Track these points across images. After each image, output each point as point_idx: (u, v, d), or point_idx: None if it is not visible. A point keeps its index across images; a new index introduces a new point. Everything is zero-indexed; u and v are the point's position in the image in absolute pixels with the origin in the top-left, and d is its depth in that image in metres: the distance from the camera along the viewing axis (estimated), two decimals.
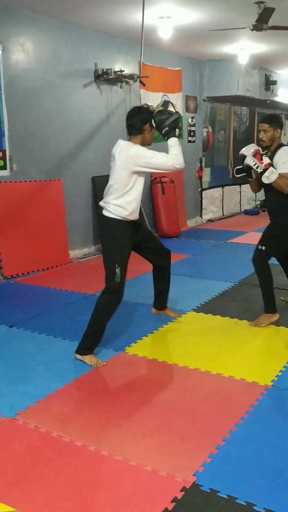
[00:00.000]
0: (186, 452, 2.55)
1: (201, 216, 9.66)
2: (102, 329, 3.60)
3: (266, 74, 10.29)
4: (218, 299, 4.93)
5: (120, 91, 7.37)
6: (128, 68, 7.30)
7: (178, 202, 8.47)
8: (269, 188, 4.05)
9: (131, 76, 7.13)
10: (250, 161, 3.93)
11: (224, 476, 2.37)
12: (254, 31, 5.90)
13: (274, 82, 10.49)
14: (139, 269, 5.93)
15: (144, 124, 3.53)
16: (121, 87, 7.33)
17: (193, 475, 2.36)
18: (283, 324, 4.27)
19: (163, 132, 3.57)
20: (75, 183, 6.71)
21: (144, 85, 7.32)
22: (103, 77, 6.88)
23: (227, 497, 2.22)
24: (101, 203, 3.63)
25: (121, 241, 3.53)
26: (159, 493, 2.25)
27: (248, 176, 4.14)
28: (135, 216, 3.59)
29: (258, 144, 4.13)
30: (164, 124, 3.55)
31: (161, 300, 4.15)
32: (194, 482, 2.31)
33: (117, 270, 3.47)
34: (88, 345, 3.60)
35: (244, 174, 4.20)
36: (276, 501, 2.20)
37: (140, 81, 7.05)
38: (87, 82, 6.78)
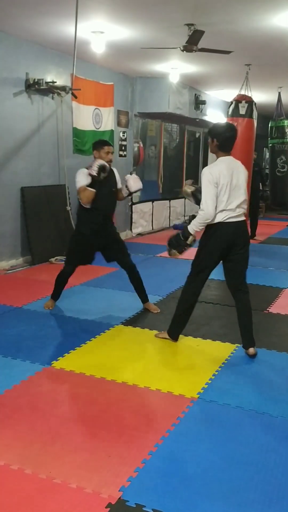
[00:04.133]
0: (112, 467, 2.53)
1: (131, 229, 9.73)
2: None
3: (195, 94, 10.61)
4: (146, 313, 4.96)
5: (51, 102, 7.31)
6: (60, 79, 7.26)
7: None
8: (109, 198, 4.67)
9: (63, 88, 7.10)
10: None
11: (150, 490, 2.36)
12: (184, 51, 6.07)
13: (203, 102, 10.83)
14: (68, 283, 5.87)
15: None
16: (52, 98, 7.28)
17: (119, 491, 2.34)
18: (209, 337, 4.37)
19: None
20: (2, 193, 6.53)
21: (76, 97, 7.31)
22: (35, 87, 6.80)
23: None
24: None
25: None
26: (84, 511, 2.21)
27: (92, 186, 4.49)
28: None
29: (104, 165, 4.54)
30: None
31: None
32: (120, 498, 2.29)
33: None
34: None
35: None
36: None
37: (72, 93, 7.04)
38: (18, 91, 6.67)
